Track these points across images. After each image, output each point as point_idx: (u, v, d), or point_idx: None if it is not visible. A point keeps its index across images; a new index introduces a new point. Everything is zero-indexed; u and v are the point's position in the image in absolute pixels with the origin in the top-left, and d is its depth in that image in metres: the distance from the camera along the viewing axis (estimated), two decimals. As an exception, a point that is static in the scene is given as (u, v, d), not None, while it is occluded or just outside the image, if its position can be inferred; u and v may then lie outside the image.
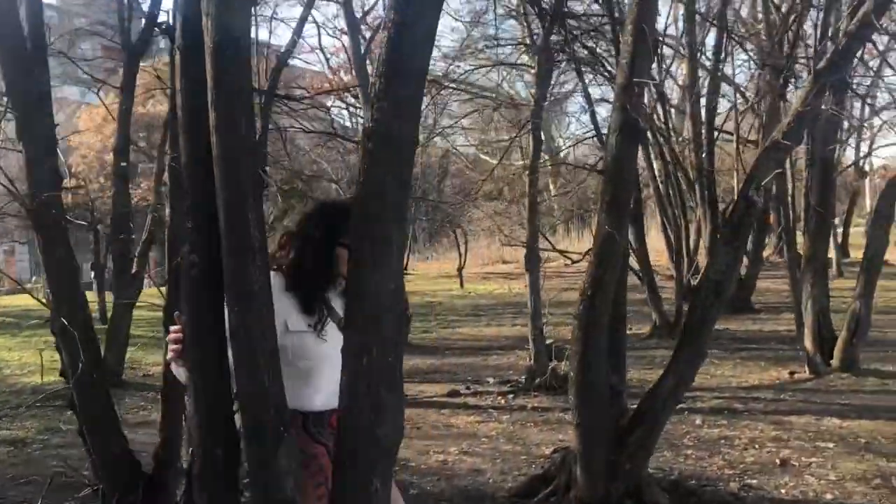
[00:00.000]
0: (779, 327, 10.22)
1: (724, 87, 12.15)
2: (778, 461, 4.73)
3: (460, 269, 18.54)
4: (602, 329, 3.84)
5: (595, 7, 9.30)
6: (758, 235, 13.53)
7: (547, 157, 14.78)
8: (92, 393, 3.55)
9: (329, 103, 19.05)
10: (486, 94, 14.15)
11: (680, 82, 14.62)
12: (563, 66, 9.67)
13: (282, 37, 50.60)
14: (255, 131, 1.97)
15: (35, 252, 6.31)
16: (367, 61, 10.39)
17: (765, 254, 17.43)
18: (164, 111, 13.26)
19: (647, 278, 9.94)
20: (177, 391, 3.17)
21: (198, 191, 1.95)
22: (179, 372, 2.06)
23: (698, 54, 11.52)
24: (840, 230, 21.39)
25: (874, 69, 10.29)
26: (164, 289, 3.68)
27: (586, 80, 9.80)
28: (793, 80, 7.82)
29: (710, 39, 11.99)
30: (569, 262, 8.22)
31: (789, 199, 9.13)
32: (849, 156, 22.06)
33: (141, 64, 8.18)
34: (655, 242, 12.62)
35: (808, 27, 8.31)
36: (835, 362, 7.34)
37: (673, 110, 13.71)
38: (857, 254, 13.92)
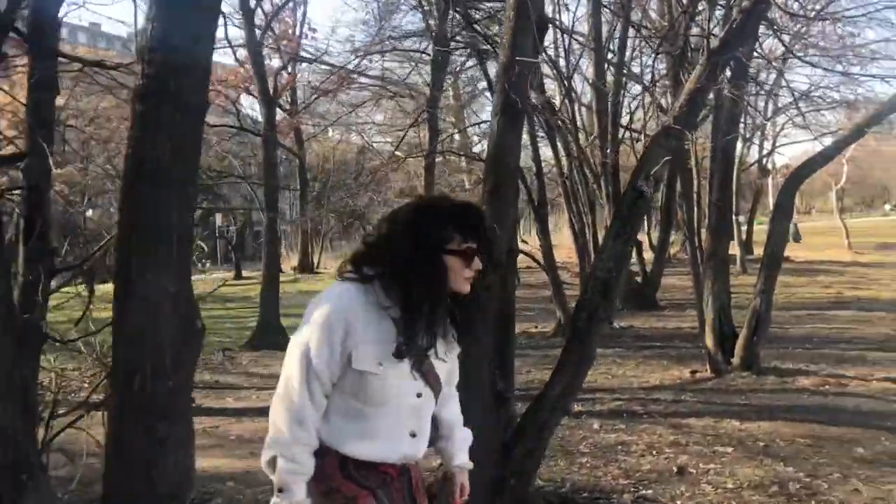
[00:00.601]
0: (683, 324, 10.19)
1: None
2: (675, 469, 4.49)
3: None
4: (487, 328, 3.46)
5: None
6: (663, 232, 13.62)
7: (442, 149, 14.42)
8: None
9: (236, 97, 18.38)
10: (392, 87, 13.75)
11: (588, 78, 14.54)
12: (460, 53, 9.34)
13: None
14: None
15: None
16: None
17: (672, 251, 17.69)
18: None
19: (552, 275, 9.71)
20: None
21: None
22: None
23: (605, 50, 11.38)
24: (745, 227, 22.01)
25: (778, 68, 10.38)
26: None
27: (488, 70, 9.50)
28: (688, 65, 7.62)
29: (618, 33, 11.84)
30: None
31: (695, 195, 9.06)
32: (753, 154, 22.73)
33: None
34: (568, 240, 12.46)
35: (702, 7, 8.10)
36: (736, 360, 7.25)
37: (584, 108, 13.57)
38: (760, 251, 14.13)
